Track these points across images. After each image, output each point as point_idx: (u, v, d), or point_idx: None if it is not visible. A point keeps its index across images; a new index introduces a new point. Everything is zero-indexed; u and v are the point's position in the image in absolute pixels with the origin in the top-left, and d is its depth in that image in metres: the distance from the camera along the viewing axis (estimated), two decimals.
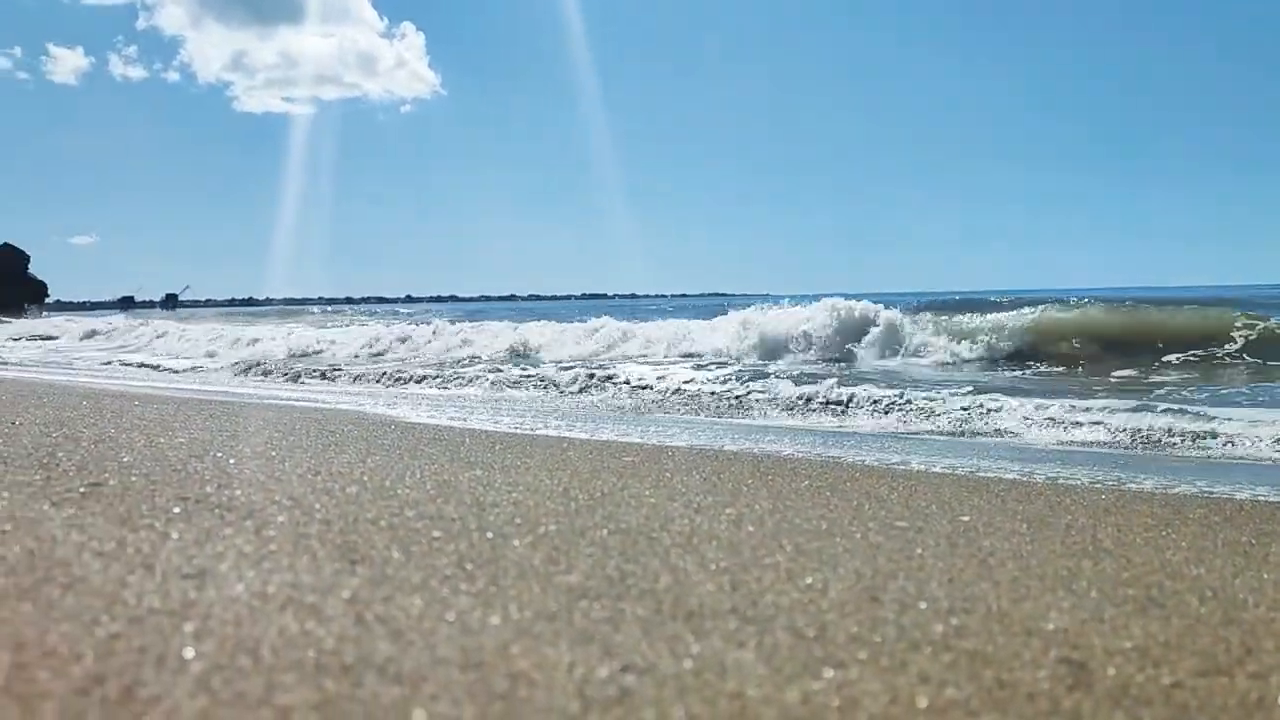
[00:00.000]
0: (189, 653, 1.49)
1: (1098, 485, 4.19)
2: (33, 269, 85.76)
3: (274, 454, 3.82)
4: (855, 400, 7.85)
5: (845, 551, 2.46)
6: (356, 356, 16.34)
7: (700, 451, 4.95)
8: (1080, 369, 11.46)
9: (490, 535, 2.42)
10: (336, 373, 12.04)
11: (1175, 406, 6.89)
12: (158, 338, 22.43)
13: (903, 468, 4.58)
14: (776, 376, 10.00)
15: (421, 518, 2.59)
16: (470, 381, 10.84)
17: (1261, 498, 3.88)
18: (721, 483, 3.66)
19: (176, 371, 13.87)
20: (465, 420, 6.67)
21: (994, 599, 2.06)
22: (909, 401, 7.55)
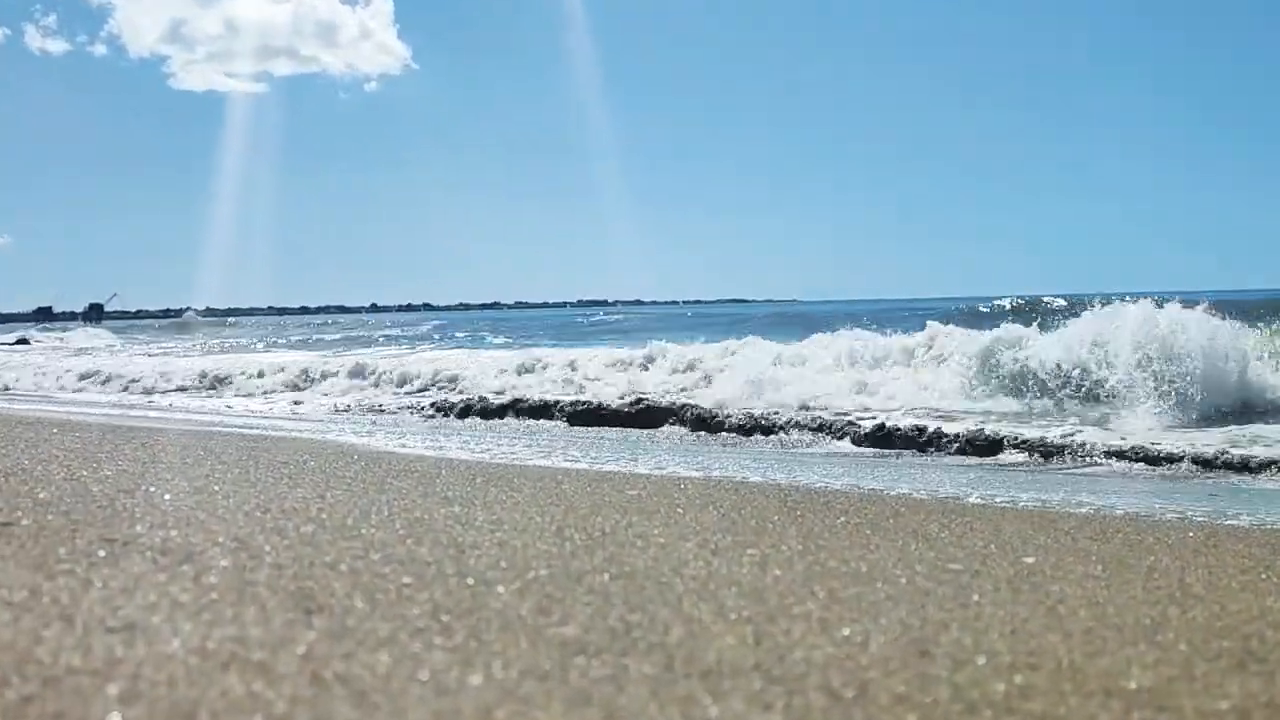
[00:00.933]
0: (114, 719, 1.48)
1: (1184, 521, 4.17)
2: None
3: (216, 489, 3.82)
4: None
5: (889, 599, 2.45)
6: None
7: (717, 483, 4.94)
8: None
9: (470, 581, 2.40)
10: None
11: None
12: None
13: (956, 502, 4.56)
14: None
15: (389, 561, 2.58)
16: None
17: None
18: (743, 519, 3.65)
19: None
20: (465, 449, 6.66)
21: (1064, 653, 2.04)
22: None
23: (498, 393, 12.02)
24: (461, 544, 2.87)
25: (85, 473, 4.11)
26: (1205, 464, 6.40)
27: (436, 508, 3.57)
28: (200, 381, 15.63)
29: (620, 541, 3.04)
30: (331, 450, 6.02)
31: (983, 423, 8.54)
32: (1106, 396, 9.23)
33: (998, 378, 10.45)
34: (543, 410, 10.34)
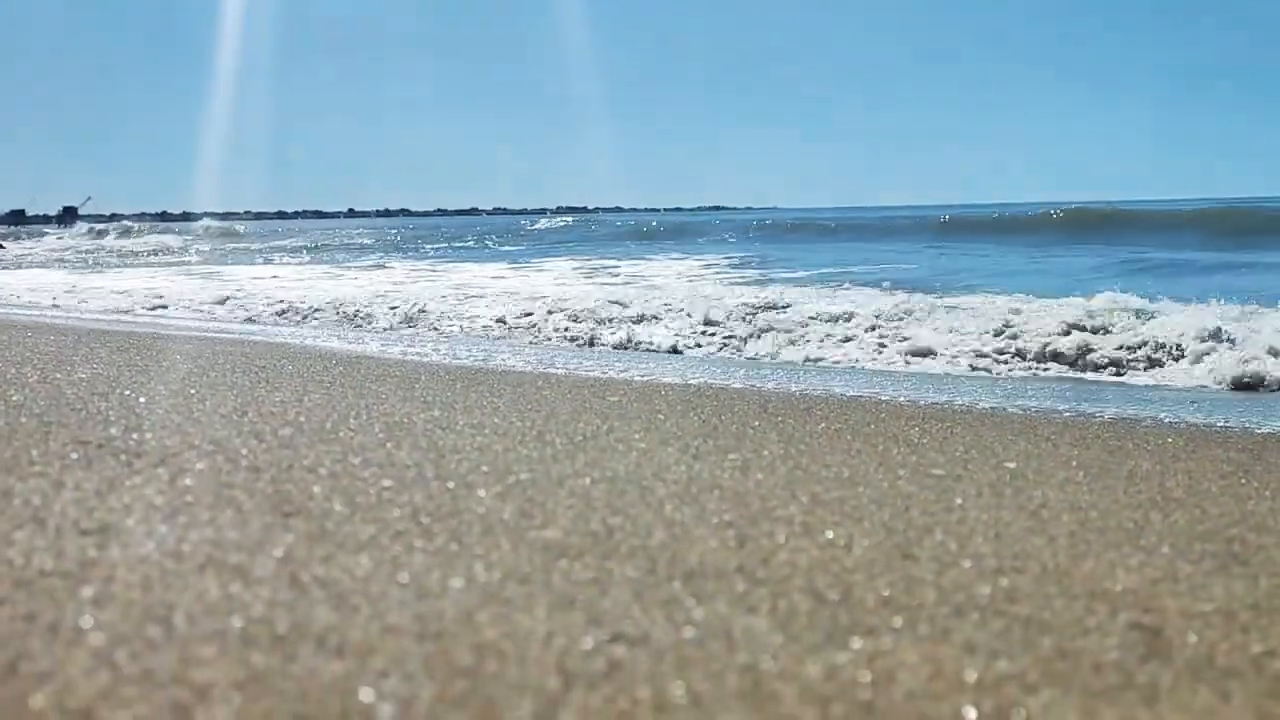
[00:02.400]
0: (86, 621, 1.45)
1: (1163, 427, 4.19)
2: None
3: (193, 391, 3.76)
4: None
5: (871, 502, 2.44)
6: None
7: (697, 390, 4.92)
8: None
9: (451, 485, 2.38)
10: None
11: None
12: None
13: (937, 408, 4.56)
14: None
15: (369, 465, 2.55)
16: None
17: None
18: (724, 425, 3.64)
19: None
20: (446, 355, 6.62)
21: (1049, 556, 2.04)
22: None
23: None
24: (442, 448, 2.84)
25: (59, 375, 4.04)
26: None
27: (416, 411, 3.53)
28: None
29: (602, 446, 3.02)
30: (310, 354, 5.96)
31: None
32: None
33: None
34: None
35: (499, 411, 3.67)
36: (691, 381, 5.37)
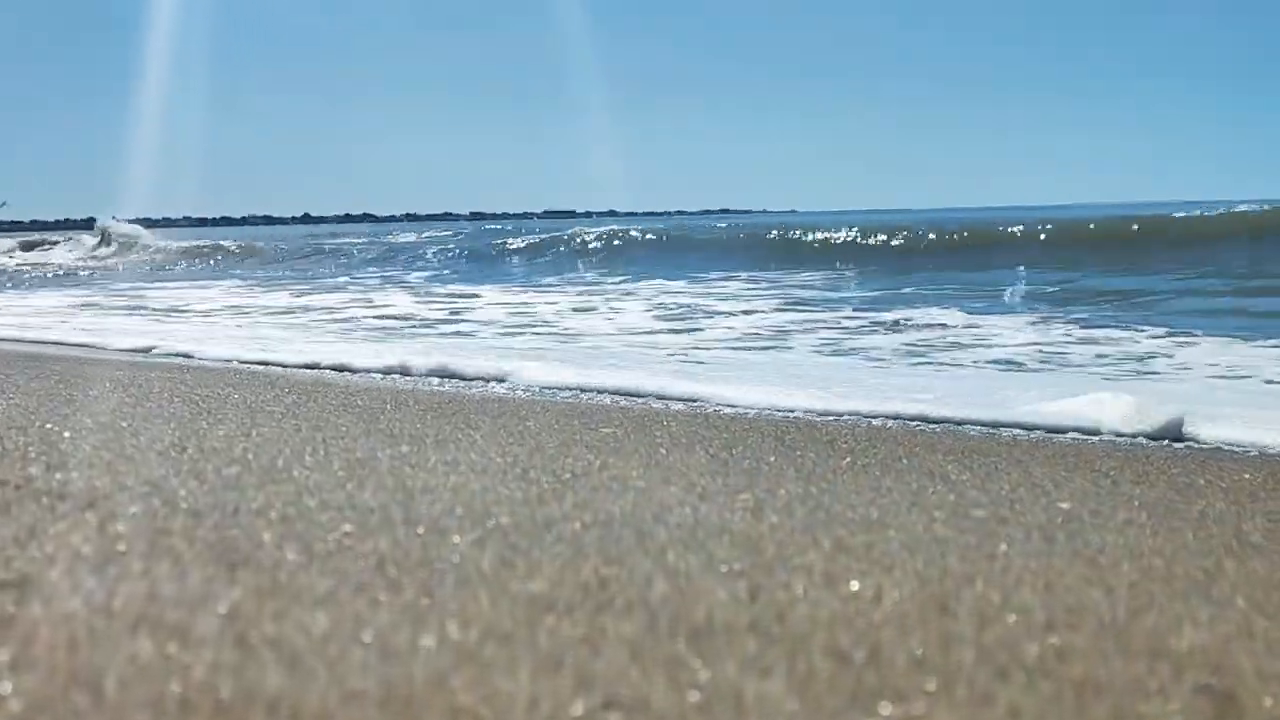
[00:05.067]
0: (5, 688, 1.46)
1: (1239, 462, 4.21)
2: None
3: (124, 425, 3.78)
4: None
5: (903, 549, 2.46)
6: None
7: (704, 419, 4.94)
8: None
9: (421, 530, 2.40)
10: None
11: None
12: None
13: (978, 440, 4.58)
14: None
15: (327, 507, 2.57)
16: None
17: None
18: (734, 460, 3.66)
19: None
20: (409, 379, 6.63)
21: (1107, 610, 2.05)
22: None
23: None
24: (411, 488, 2.86)
25: None
26: None
27: (381, 446, 3.55)
28: None
29: (594, 485, 3.04)
30: (259, 380, 5.98)
31: None
32: None
33: None
34: None
35: (476, 446, 3.69)
36: (698, 410, 5.39)
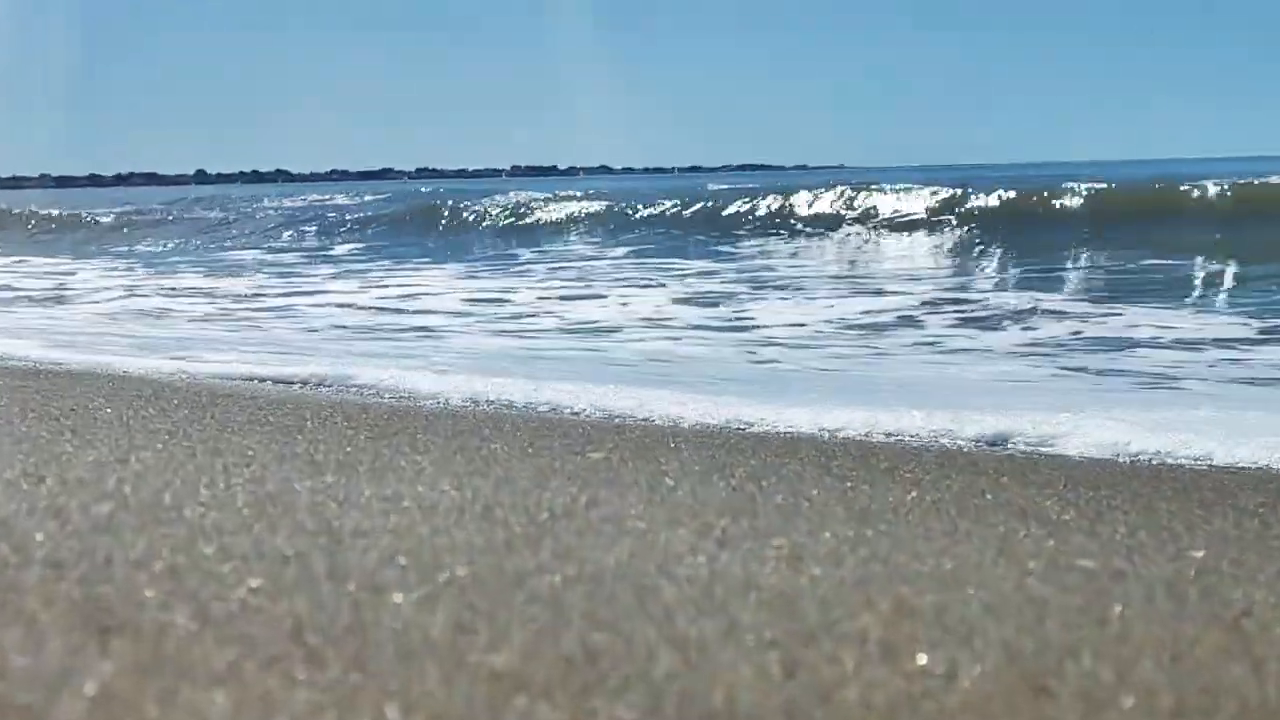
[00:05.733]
0: None
1: None
2: None
3: None
4: None
5: (986, 611, 2.45)
6: None
7: (725, 439, 4.94)
8: None
9: (352, 586, 2.39)
10: None
11: None
12: None
13: (1086, 464, 4.58)
14: None
15: (228, 556, 2.56)
16: None
17: None
18: (765, 494, 3.66)
19: None
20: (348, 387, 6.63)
21: (1253, 689, 2.06)
22: None
23: None
24: (338, 530, 2.86)
25: None
26: None
27: (300, 476, 3.55)
28: None
29: (579, 528, 3.04)
30: (140, 390, 5.98)
31: None
32: None
33: None
34: None
35: (424, 476, 3.68)
36: (715, 422, 5.39)
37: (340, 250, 27.03)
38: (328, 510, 3.08)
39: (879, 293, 14.32)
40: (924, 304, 12.96)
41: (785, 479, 3.96)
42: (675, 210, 27.74)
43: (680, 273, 18.35)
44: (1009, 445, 5.09)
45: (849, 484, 3.92)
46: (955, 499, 3.73)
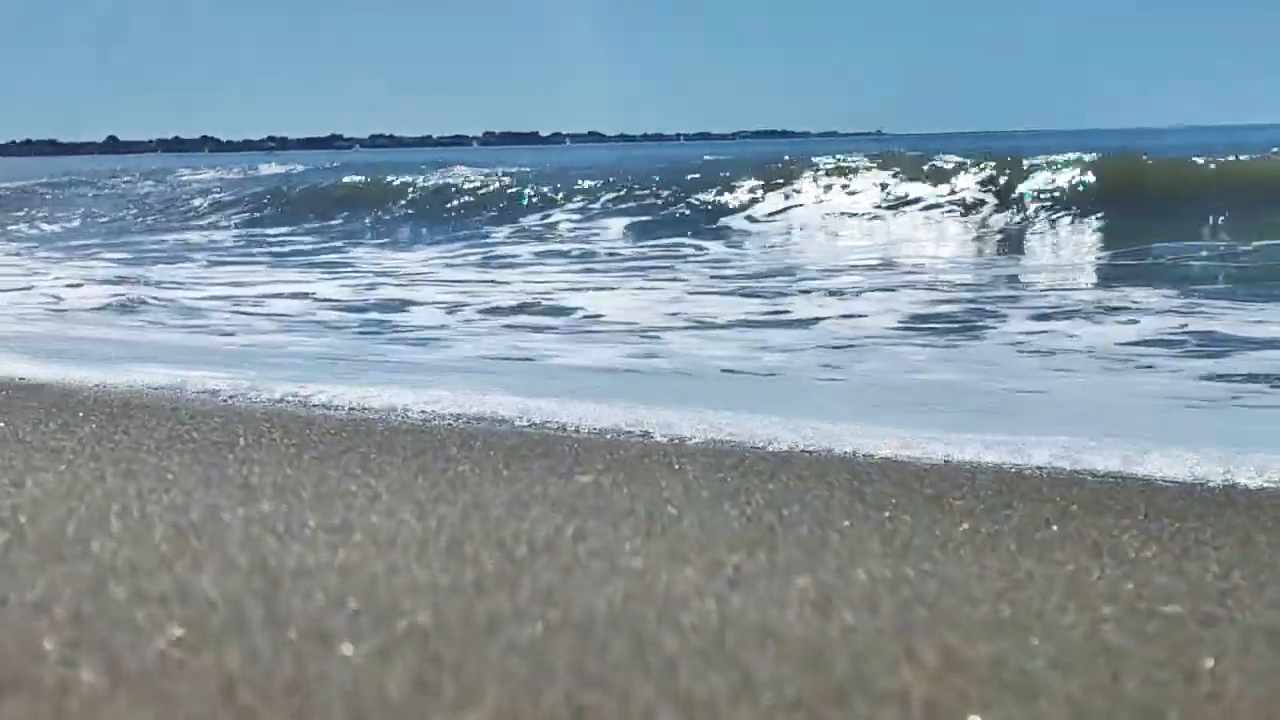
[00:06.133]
0: None
1: None
2: None
3: None
4: None
5: (1051, 666, 2.46)
6: None
7: (738, 458, 4.93)
8: None
9: (293, 635, 2.40)
10: None
11: None
12: None
13: (1170, 486, 4.57)
14: None
15: (144, 600, 2.57)
16: None
17: None
18: (787, 524, 3.66)
19: None
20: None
21: None
22: None
23: None
24: (276, 569, 2.86)
25: None
26: None
27: (231, 503, 3.56)
28: None
29: (564, 565, 3.04)
30: (44, 402, 5.97)
31: None
32: None
33: None
34: None
35: (379, 503, 3.68)
36: (726, 438, 5.39)
37: (274, 231, 27.32)
38: (264, 544, 3.09)
39: (933, 286, 14.35)
40: (990, 297, 13.00)
41: (810, 507, 3.95)
42: (665, 185, 28.07)
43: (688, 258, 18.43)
44: (1079, 468, 5.08)
45: (887, 513, 3.92)
46: (1015, 531, 3.74)
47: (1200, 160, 24.31)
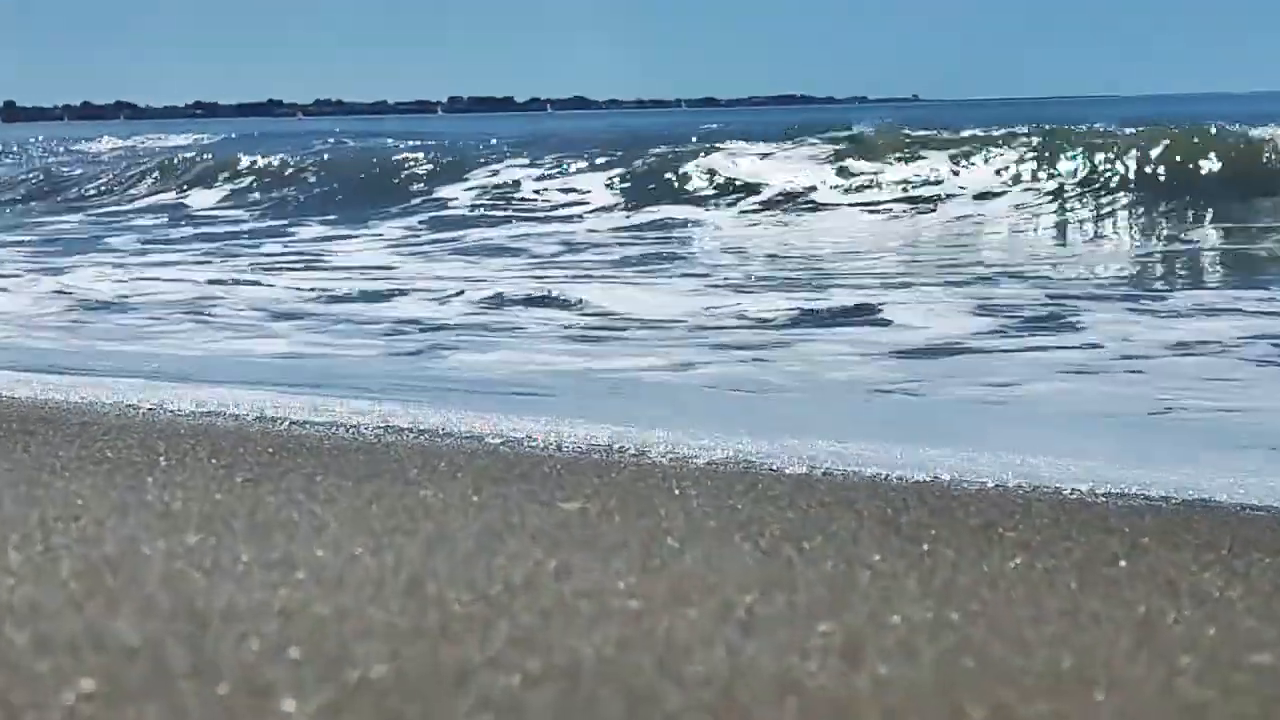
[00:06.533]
0: None
1: None
2: None
3: None
4: None
5: None
6: None
7: (749, 483, 4.93)
8: None
9: (225, 690, 2.40)
10: None
11: None
12: None
13: (1256, 514, 4.58)
14: None
15: (47, 648, 2.56)
16: None
17: None
18: (808, 559, 3.66)
19: None
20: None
21: None
22: None
23: None
24: (204, 610, 2.86)
25: None
26: None
27: (150, 533, 3.55)
28: None
29: (544, 607, 3.04)
30: None
31: None
32: None
33: None
34: None
35: (326, 534, 3.68)
36: (737, 458, 5.39)
37: (200, 206, 27.50)
38: (189, 582, 3.08)
39: (991, 280, 14.40)
40: (1075, 296, 13.05)
41: (836, 539, 3.95)
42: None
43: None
44: (1152, 493, 5.09)
45: (926, 546, 3.91)
46: (1076, 567, 3.73)
47: None
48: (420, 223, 25.15)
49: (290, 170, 32.00)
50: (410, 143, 34.15)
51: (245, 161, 32.93)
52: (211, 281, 16.48)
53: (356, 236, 23.25)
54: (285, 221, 26.33)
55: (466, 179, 29.06)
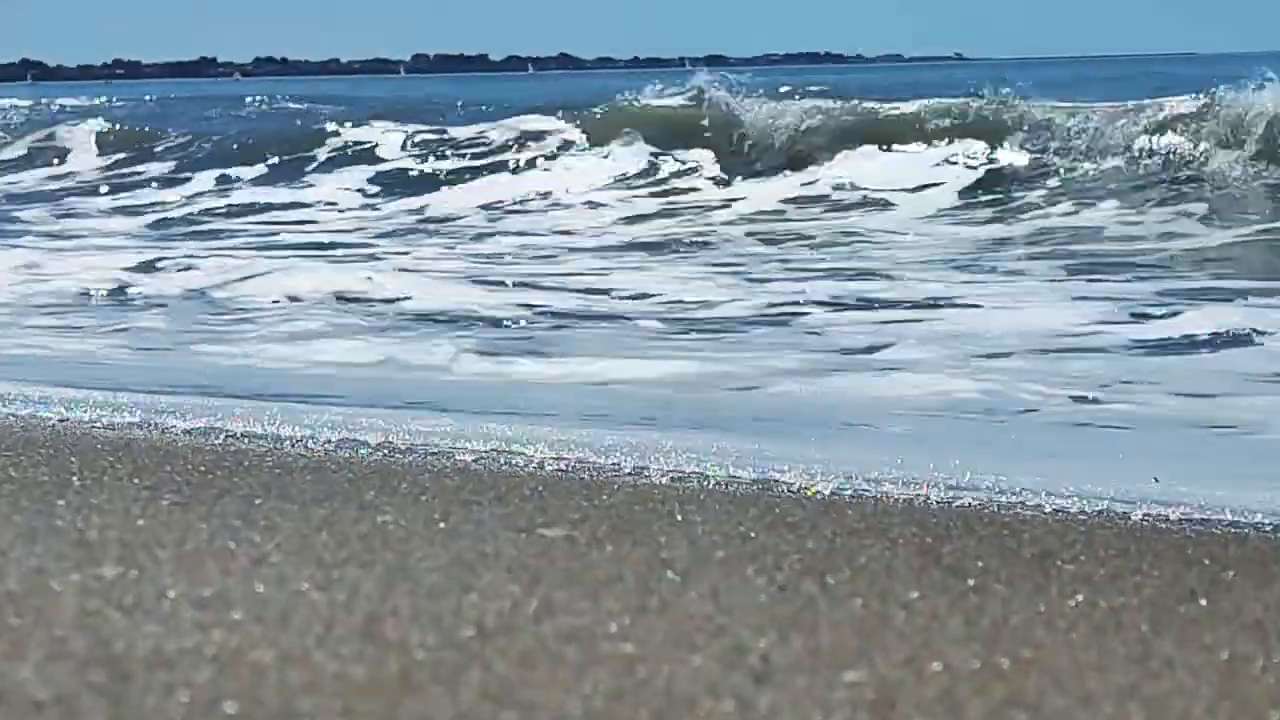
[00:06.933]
0: None
1: None
2: None
3: None
4: None
5: None
6: None
7: (763, 504, 4.94)
8: None
9: None
10: None
11: None
12: None
13: None
14: None
15: None
16: None
17: None
18: (832, 596, 3.66)
19: None
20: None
21: None
22: None
23: None
24: (125, 656, 2.86)
25: None
26: None
27: (62, 567, 3.55)
28: None
29: (523, 650, 3.05)
30: None
31: None
32: None
33: None
34: None
35: (266, 566, 3.68)
36: (751, 477, 5.40)
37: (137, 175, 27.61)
38: (107, 623, 3.09)
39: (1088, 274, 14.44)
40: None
41: (865, 572, 3.96)
42: None
43: None
44: (1237, 519, 5.10)
45: (971, 580, 3.92)
46: (1148, 606, 3.74)
47: None
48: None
49: None
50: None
51: None
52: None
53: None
54: None
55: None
